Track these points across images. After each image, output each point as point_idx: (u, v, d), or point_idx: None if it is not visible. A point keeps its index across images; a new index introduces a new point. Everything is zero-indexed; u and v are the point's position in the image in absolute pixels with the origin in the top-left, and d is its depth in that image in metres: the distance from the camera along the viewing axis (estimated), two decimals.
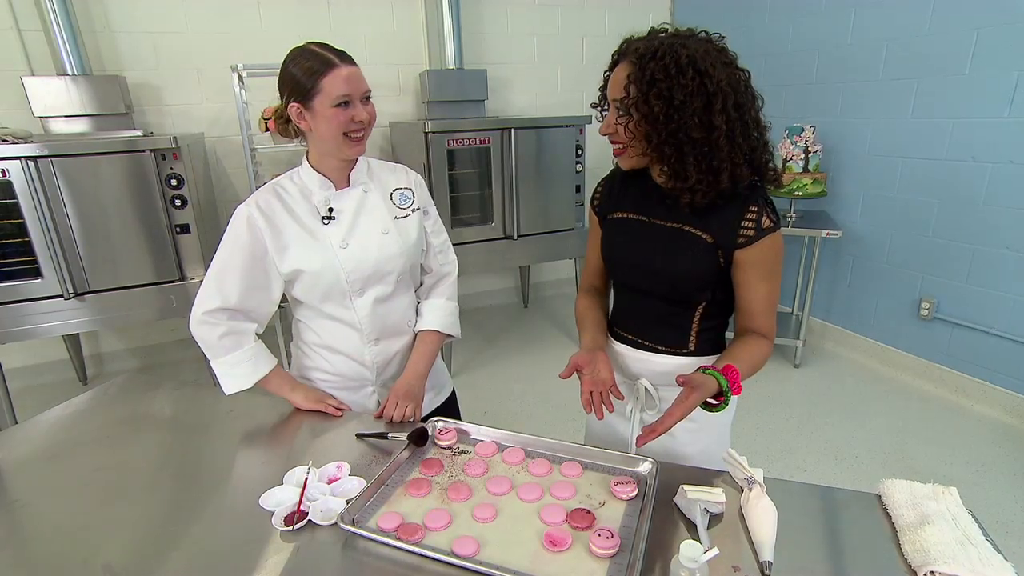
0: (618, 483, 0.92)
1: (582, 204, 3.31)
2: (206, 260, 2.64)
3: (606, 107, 1.03)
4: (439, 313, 1.35)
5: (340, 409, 1.22)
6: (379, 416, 1.19)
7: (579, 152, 3.22)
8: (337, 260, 1.18)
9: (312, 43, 1.11)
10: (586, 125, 3.20)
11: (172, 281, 2.58)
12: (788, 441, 2.49)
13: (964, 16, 2.50)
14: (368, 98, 1.13)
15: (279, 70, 1.11)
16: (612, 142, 1.01)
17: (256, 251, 1.16)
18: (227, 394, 1.22)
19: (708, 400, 0.92)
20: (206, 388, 1.39)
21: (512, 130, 2.97)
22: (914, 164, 2.80)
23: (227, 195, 3.34)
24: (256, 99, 2.99)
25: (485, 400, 2.88)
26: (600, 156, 4.11)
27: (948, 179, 2.67)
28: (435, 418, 1.12)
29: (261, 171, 2.93)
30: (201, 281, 2.71)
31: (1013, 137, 2.42)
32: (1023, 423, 2.53)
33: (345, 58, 1.09)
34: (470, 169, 3.07)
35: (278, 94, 1.14)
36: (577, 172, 3.24)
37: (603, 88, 1.02)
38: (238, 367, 1.21)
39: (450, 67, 3.32)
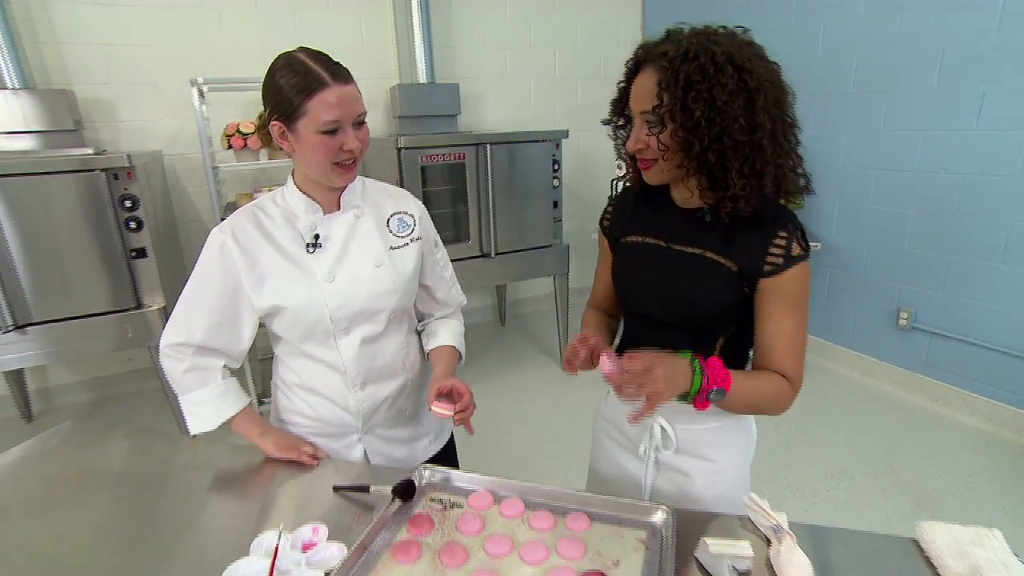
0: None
1: (560, 220, 3.24)
2: (164, 285, 2.47)
3: (621, 122, 0.95)
4: (454, 331, 1.27)
5: (316, 457, 1.10)
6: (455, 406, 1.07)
7: (556, 167, 3.14)
8: (322, 295, 1.06)
9: (304, 51, 0.97)
10: (563, 140, 3.13)
11: (128, 309, 2.39)
12: (776, 458, 2.44)
13: (929, 31, 2.55)
14: (362, 122, 1.00)
15: (264, 77, 0.98)
16: (640, 158, 0.92)
17: (226, 286, 1.04)
18: (191, 434, 1.11)
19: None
20: (161, 436, 1.24)
21: (488, 145, 2.89)
22: (888, 176, 2.83)
23: (188, 215, 3.16)
24: (218, 114, 2.84)
25: None
26: (577, 172, 4.07)
27: (921, 190, 2.70)
28: (422, 465, 1.01)
29: (224, 190, 2.77)
30: (160, 309, 2.50)
31: (982, 149, 2.46)
32: (1004, 431, 2.55)
33: (339, 76, 0.96)
34: (444, 186, 2.97)
35: (261, 101, 1.01)
36: (554, 188, 3.17)
37: (618, 101, 0.93)
38: (202, 406, 1.10)
39: (421, 81, 3.23)
